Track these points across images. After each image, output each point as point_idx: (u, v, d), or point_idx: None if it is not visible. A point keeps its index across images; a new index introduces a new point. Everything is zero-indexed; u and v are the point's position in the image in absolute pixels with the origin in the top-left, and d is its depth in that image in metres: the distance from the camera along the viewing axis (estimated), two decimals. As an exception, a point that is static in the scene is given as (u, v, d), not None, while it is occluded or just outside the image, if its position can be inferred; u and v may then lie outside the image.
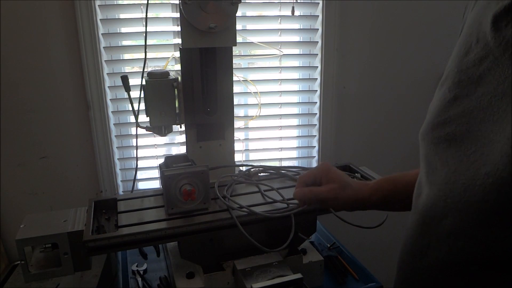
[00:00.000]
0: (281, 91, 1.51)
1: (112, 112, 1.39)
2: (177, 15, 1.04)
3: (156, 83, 1.04)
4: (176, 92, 1.06)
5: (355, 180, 0.88)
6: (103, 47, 1.32)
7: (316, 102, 1.55)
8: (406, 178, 0.75)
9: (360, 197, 0.79)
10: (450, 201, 0.44)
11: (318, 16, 1.45)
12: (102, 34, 1.30)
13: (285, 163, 1.60)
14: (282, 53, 1.41)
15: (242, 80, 1.40)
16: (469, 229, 0.42)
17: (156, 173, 1.50)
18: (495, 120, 0.41)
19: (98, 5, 1.28)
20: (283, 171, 1.12)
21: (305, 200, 0.83)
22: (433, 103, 0.51)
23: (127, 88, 1.07)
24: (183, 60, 1.04)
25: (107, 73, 1.34)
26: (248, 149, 1.55)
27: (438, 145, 0.48)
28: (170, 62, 1.29)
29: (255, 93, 1.42)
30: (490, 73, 0.42)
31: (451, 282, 0.46)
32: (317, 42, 1.48)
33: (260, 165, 1.14)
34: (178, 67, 1.21)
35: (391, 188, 0.78)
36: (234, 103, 1.12)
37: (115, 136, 1.42)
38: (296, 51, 1.52)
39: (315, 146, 1.60)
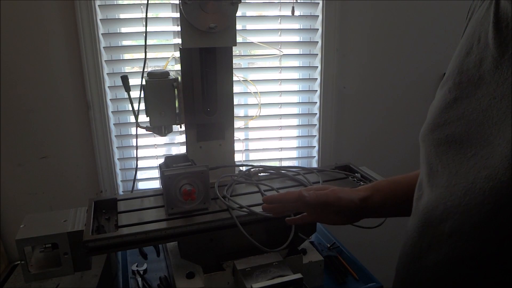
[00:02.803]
0: (281, 91, 1.51)
1: (112, 112, 1.39)
2: (177, 15, 1.04)
3: (156, 83, 1.04)
4: (176, 92, 1.06)
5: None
6: (103, 47, 1.32)
7: (316, 102, 1.55)
8: (407, 180, 0.70)
9: (362, 195, 0.72)
10: (450, 204, 0.44)
11: (318, 16, 1.45)
12: (102, 34, 1.30)
13: (285, 163, 1.60)
14: (282, 53, 1.41)
15: (242, 80, 1.40)
16: (469, 231, 0.42)
17: (156, 173, 1.49)
18: (495, 122, 0.40)
19: (98, 5, 1.27)
20: (283, 171, 1.12)
21: (309, 202, 0.73)
22: (434, 104, 0.50)
23: (127, 88, 1.08)
24: (183, 60, 1.04)
25: (107, 73, 1.34)
26: (248, 149, 1.55)
27: (438, 147, 0.47)
28: (170, 62, 1.29)
29: (255, 93, 1.42)
30: (489, 74, 0.41)
31: (449, 282, 0.46)
32: (317, 42, 1.48)
33: (260, 165, 1.14)
34: (178, 67, 1.21)
35: (392, 188, 0.73)
36: (234, 103, 1.12)
37: (115, 136, 1.42)
38: (296, 51, 1.52)
39: (315, 146, 1.60)
